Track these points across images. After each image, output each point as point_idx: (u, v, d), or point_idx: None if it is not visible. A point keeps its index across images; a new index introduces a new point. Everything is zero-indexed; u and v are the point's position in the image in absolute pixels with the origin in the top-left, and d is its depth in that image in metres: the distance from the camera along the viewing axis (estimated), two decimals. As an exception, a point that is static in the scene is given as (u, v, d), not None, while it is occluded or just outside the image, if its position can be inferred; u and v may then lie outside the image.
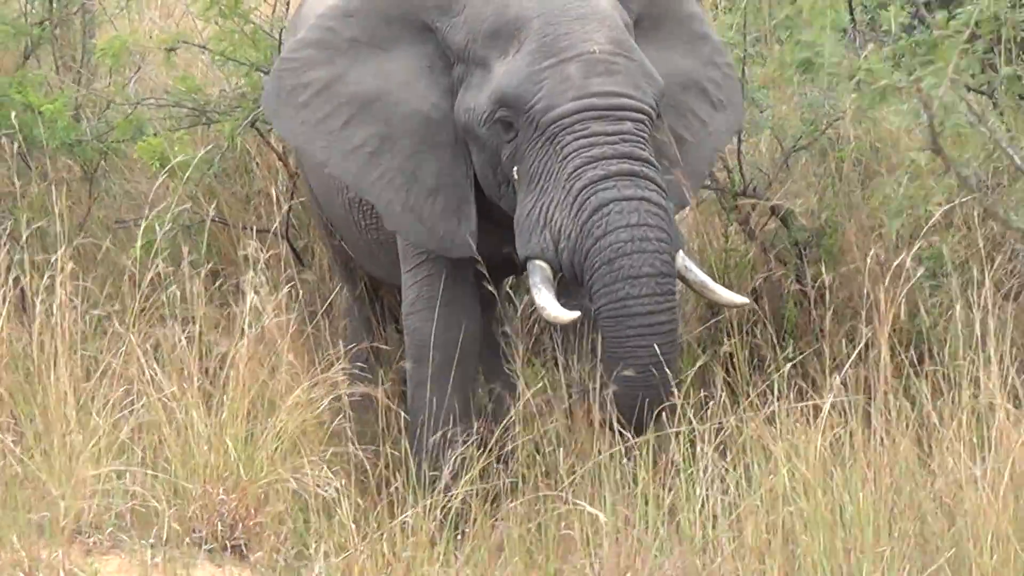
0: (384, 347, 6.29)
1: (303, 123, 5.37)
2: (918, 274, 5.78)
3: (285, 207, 7.23)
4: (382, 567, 4.46)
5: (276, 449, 4.78)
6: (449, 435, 5.22)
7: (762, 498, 4.37)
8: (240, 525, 4.59)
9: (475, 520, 4.69)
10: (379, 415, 5.20)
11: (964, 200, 5.63)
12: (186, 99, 6.97)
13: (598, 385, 4.79)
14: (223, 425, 4.75)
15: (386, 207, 5.32)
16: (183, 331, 5.22)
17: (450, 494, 4.82)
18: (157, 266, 5.28)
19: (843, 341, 5.27)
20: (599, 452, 4.70)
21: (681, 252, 4.98)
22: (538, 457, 4.92)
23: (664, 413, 4.78)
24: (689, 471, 4.59)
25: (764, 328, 6.01)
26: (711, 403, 4.79)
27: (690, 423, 4.70)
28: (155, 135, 6.61)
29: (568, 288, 5.03)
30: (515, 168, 5.02)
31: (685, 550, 4.35)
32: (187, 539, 4.52)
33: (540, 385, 5.22)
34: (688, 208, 5.94)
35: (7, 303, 5.28)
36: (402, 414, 5.16)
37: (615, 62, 4.97)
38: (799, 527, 4.27)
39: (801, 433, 4.39)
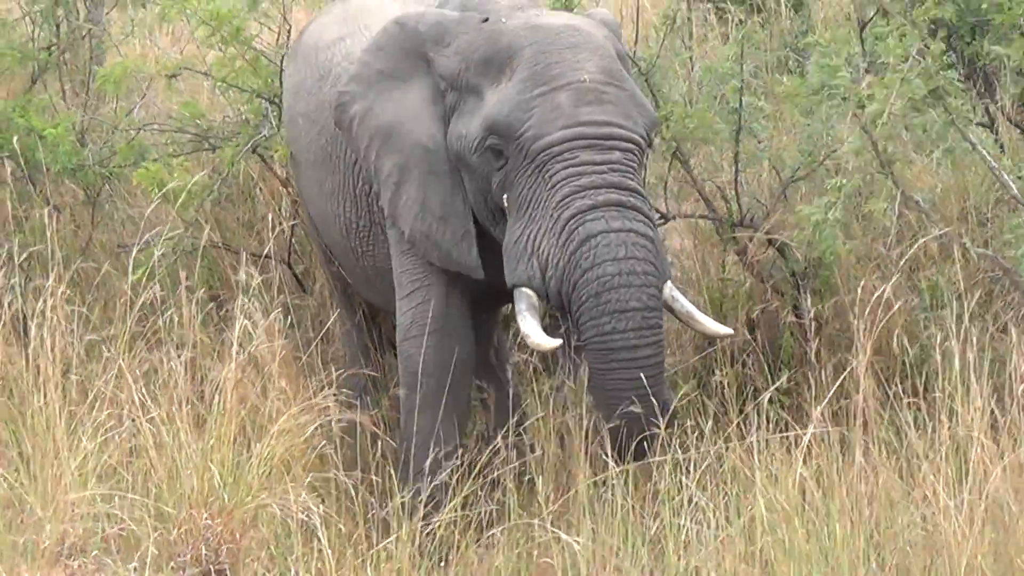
0: (371, 373, 6.31)
1: (360, 156, 5.51)
2: (913, 305, 5.83)
3: (287, 232, 7.28)
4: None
5: (262, 474, 4.78)
6: (439, 461, 5.22)
7: (742, 528, 4.37)
8: (224, 549, 4.61)
9: (459, 548, 4.70)
10: (367, 442, 5.19)
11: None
12: (189, 125, 7.00)
13: (582, 414, 4.81)
14: (210, 450, 4.76)
15: (411, 233, 5.36)
16: (179, 356, 5.25)
17: (433, 521, 4.83)
18: (150, 291, 5.29)
19: (831, 372, 5.26)
20: (588, 479, 4.72)
21: (668, 283, 4.98)
22: (523, 484, 4.92)
23: (648, 443, 4.77)
24: (674, 500, 4.60)
25: (758, 358, 6.01)
26: (695, 433, 4.79)
27: (675, 452, 4.71)
28: (155, 161, 6.61)
29: None
30: (504, 196, 5.03)
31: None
32: (171, 563, 4.54)
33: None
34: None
35: (3, 327, 5.31)
36: (388, 440, 5.16)
37: (606, 91, 4.98)
38: (779, 556, 4.28)
39: (781, 463, 4.39)
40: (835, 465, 4.43)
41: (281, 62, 6.76)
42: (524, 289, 4.94)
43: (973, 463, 4.28)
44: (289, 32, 7.03)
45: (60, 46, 7.60)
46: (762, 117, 6.86)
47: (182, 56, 7.57)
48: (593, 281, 4.75)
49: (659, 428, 4.70)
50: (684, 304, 5.06)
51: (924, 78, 5.49)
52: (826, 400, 4.66)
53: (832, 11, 9.54)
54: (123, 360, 5.09)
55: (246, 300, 5.41)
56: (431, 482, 5.12)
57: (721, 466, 4.64)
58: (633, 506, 4.60)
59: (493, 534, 4.75)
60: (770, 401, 5.35)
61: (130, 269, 5.37)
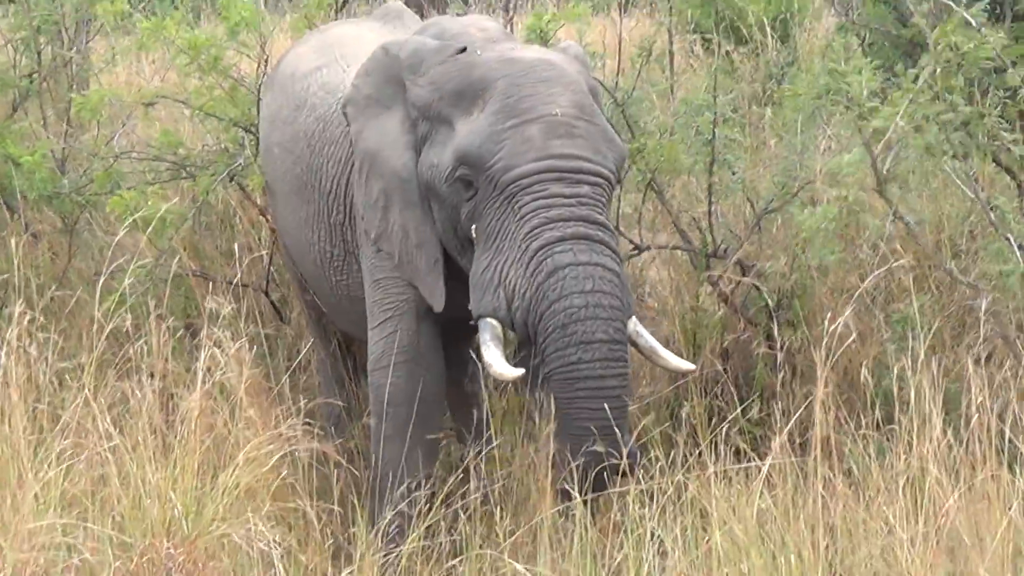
0: (337, 403, 6.32)
1: (359, 176, 5.52)
2: (885, 336, 5.84)
3: (266, 260, 7.31)
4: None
5: (226, 503, 4.78)
6: (408, 491, 5.24)
7: (701, 559, 4.38)
8: (185, 579, 4.60)
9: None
10: (331, 471, 5.19)
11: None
12: (167, 153, 7.02)
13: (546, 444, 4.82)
14: (174, 479, 4.76)
15: (396, 259, 5.38)
16: (150, 384, 5.25)
17: (397, 550, 4.83)
18: (119, 319, 5.29)
19: (796, 402, 5.28)
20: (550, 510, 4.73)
21: (633, 318, 5.00)
22: (486, 514, 4.93)
23: (610, 475, 4.78)
24: (636, 533, 4.61)
25: (728, 389, 6.03)
26: (658, 464, 4.80)
27: (637, 483, 4.72)
28: (130, 189, 6.62)
29: None
30: (473, 226, 5.04)
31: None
32: (131, 593, 4.53)
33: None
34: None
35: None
36: (352, 470, 5.16)
37: (577, 126, 4.99)
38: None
39: (740, 494, 4.39)
40: (792, 496, 4.42)
41: (259, 91, 6.78)
42: (489, 319, 4.94)
43: (927, 495, 4.28)
44: (267, 61, 7.04)
45: (42, 73, 7.62)
46: (740, 149, 6.90)
47: (162, 84, 7.59)
48: (560, 312, 4.75)
49: (620, 460, 4.70)
50: (648, 339, 5.07)
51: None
52: (784, 431, 4.66)
53: (819, 43, 9.60)
54: (88, 389, 5.07)
55: (215, 329, 5.41)
56: (399, 512, 5.14)
57: (679, 498, 4.64)
58: (593, 538, 4.60)
59: (453, 565, 4.74)
60: (740, 432, 5.40)
61: (97, 297, 5.34)
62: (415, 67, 5.32)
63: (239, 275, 6.26)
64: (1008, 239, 5.42)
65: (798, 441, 5.31)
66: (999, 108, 5.65)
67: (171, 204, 6.44)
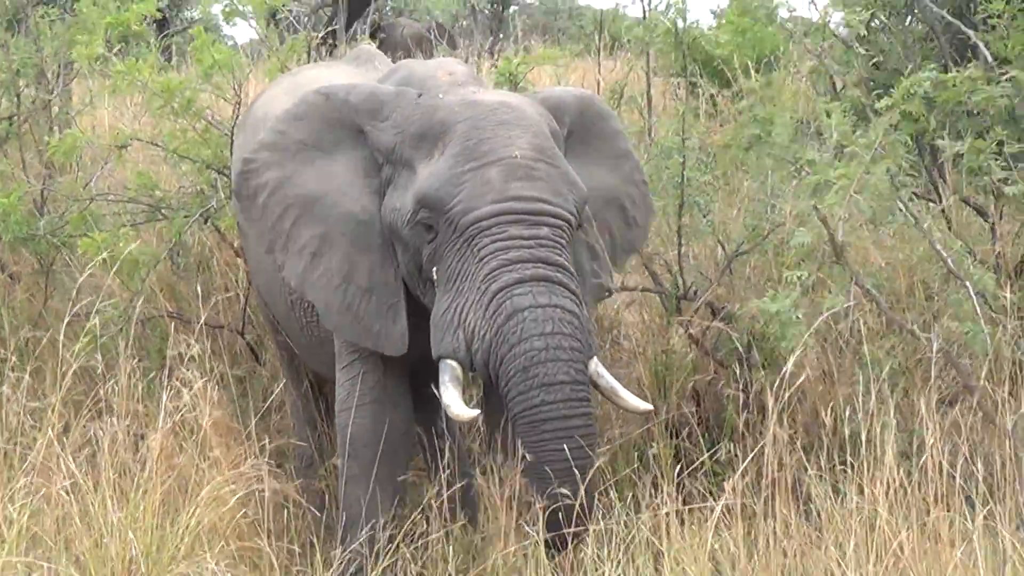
0: (300, 443, 6.34)
1: (262, 224, 5.45)
2: (854, 379, 5.85)
3: (242, 301, 7.35)
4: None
5: (186, 542, 4.80)
6: (373, 531, 5.25)
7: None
8: (142, 618, 4.62)
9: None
10: (290, 511, 5.21)
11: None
12: (142, 195, 7.06)
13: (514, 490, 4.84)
14: (134, 518, 4.78)
15: (325, 306, 5.36)
16: (119, 424, 5.28)
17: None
18: (90, 359, 5.32)
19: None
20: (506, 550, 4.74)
21: (594, 359, 5.00)
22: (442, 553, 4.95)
23: (575, 514, 4.78)
24: (599, 572, 4.63)
25: (695, 431, 6.05)
26: (618, 504, 4.82)
27: (596, 523, 4.74)
28: (104, 231, 6.65)
29: None
30: (434, 269, 5.06)
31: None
32: (89, 632, 4.55)
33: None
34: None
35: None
36: (312, 510, 5.18)
37: (536, 168, 5.01)
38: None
39: (694, 535, 4.41)
40: (745, 536, 4.44)
41: (232, 133, 6.81)
42: (449, 361, 4.95)
43: (878, 534, 4.30)
44: (239, 103, 7.08)
45: (21, 116, 7.67)
46: (712, 191, 6.94)
47: (139, 127, 7.63)
48: (521, 356, 4.76)
49: (586, 500, 4.71)
50: (608, 380, 5.07)
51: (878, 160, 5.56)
52: (738, 473, 4.69)
53: (803, 86, 9.64)
54: (53, 429, 5.10)
55: (184, 369, 5.45)
56: (360, 552, 5.16)
57: (632, 539, 4.66)
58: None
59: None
60: (706, 473, 5.42)
61: (61, 337, 5.37)
62: (375, 112, 5.34)
63: (204, 316, 6.25)
64: (967, 286, 5.44)
65: (763, 482, 5.33)
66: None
67: (138, 246, 6.45)
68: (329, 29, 12.79)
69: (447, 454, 5.40)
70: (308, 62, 7.94)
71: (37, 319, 7.01)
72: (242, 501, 5.14)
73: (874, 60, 7.53)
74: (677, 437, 6.20)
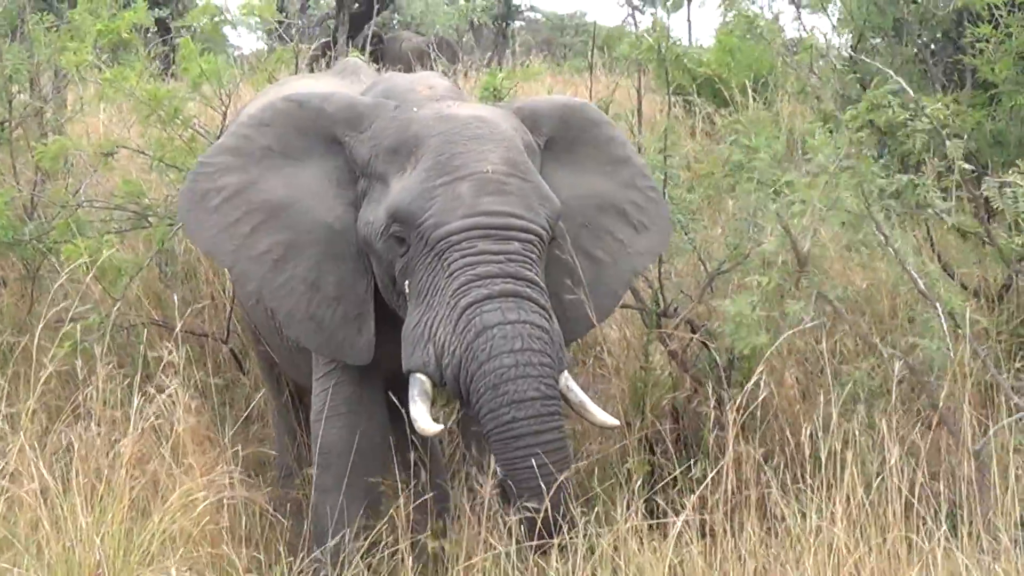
0: (268, 452, 6.36)
1: (212, 227, 5.40)
2: (840, 398, 5.87)
3: (227, 310, 7.38)
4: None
5: (154, 548, 4.83)
6: (344, 542, 5.27)
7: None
8: (108, 624, 4.64)
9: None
10: (256, 518, 5.24)
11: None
12: (128, 203, 7.08)
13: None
14: (101, 524, 4.81)
15: (287, 313, 5.37)
16: (98, 430, 5.32)
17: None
18: (54, 364, 5.35)
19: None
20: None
21: (565, 373, 5.02)
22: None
23: (547, 527, 4.81)
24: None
25: (670, 447, 6.07)
26: (584, 519, 4.84)
27: (564, 536, 4.76)
28: (89, 237, 6.68)
29: None
30: (406, 282, 5.08)
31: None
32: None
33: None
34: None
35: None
36: (280, 519, 5.20)
37: (507, 182, 5.03)
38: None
39: (653, 551, 4.44)
40: (704, 553, 4.47)
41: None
42: (419, 375, 4.96)
43: (834, 554, 4.33)
44: (226, 113, 7.12)
45: (12, 122, 7.71)
46: (694, 209, 6.96)
47: (129, 135, 7.67)
48: (490, 373, 4.78)
49: (559, 514, 4.74)
50: (578, 394, 5.08)
51: (848, 175, 5.58)
52: (697, 493, 4.71)
53: (800, 107, 9.68)
54: (25, 434, 5.13)
55: (163, 376, 5.48)
56: (323, 560, 5.18)
57: (592, 554, 4.68)
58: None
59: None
60: (680, 491, 5.43)
61: (35, 342, 5.40)
62: (353, 122, 5.37)
63: (186, 324, 6.29)
64: (936, 307, 5.46)
65: (736, 499, 5.35)
66: (935, 176, 5.73)
67: (121, 253, 6.48)
68: (323, 40, 12.79)
69: (419, 465, 5.42)
70: (297, 73, 7.96)
71: (22, 324, 7.03)
72: (214, 508, 5.16)
73: (860, 78, 7.57)
74: (655, 453, 6.21)
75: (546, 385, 4.83)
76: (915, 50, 7.74)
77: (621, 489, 5.53)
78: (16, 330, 6.85)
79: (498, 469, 4.79)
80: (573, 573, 4.64)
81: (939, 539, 4.50)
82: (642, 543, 4.55)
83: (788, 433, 5.21)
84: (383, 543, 5.16)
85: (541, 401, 4.79)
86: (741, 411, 6.00)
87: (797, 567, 4.38)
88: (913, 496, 4.74)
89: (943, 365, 5.36)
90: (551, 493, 4.69)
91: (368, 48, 16.60)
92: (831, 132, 6.07)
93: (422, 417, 4.90)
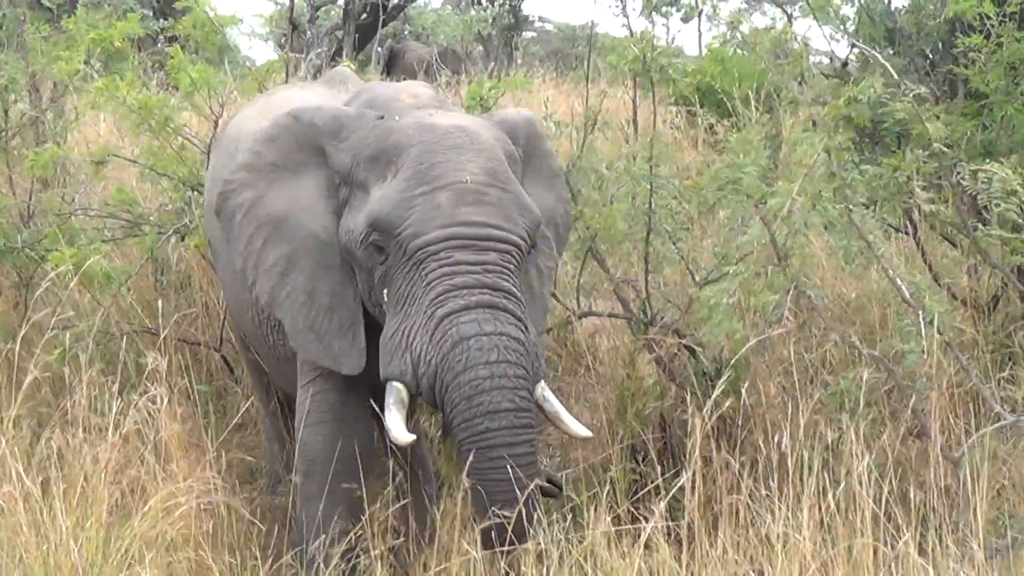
0: (276, 461, 6.38)
1: (237, 242, 5.53)
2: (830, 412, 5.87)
3: (220, 318, 7.41)
4: None
5: (130, 553, 4.86)
6: (327, 549, 5.29)
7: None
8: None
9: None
10: (231, 524, 5.26)
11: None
12: (120, 211, 7.12)
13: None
14: (79, 528, 4.84)
15: (291, 324, 5.43)
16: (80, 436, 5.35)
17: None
18: (37, 371, 5.39)
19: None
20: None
21: (542, 383, 5.05)
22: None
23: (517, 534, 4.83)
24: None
25: (658, 455, 6.09)
26: (556, 525, 4.86)
27: (537, 542, 4.79)
28: (79, 246, 6.71)
29: None
30: (385, 291, 5.12)
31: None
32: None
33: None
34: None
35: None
36: (257, 524, 5.23)
37: (486, 193, 5.06)
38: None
39: (623, 557, 4.46)
40: (672, 559, 4.49)
41: (208, 150, 6.88)
42: (396, 384, 5.00)
43: (799, 562, 4.34)
44: (216, 122, 7.15)
45: (8, 131, 7.75)
46: (688, 220, 6.97)
47: (124, 143, 7.71)
48: (465, 384, 4.81)
49: (528, 522, 4.76)
50: (554, 404, 5.12)
51: (827, 177, 5.59)
52: (666, 499, 4.73)
53: (804, 115, 9.68)
54: (6, 441, 5.16)
55: (147, 383, 5.51)
56: (318, 568, 5.21)
57: (564, 560, 4.71)
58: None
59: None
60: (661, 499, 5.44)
61: (17, 350, 5.44)
62: (336, 133, 5.40)
63: (178, 332, 6.32)
64: (919, 314, 5.46)
65: (716, 507, 5.37)
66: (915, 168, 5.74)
67: (109, 261, 6.52)
68: (316, 51, 12.83)
69: (404, 473, 5.44)
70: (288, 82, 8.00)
71: (15, 332, 7.06)
72: (195, 513, 5.19)
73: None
74: (641, 462, 6.23)
75: (520, 397, 4.85)
76: (908, 59, 7.73)
77: (599, 498, 5.56)
78: (10, 337, 6.88)
79: (468, 477, 4.82)
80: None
81: (902, 546, 4.51)
82: (610, 547, 4.56)
83: (761, 442, 5.19)
84: (360, 549, 5.16)
85: (515, 413, 4.82)
86: (728, 420, 6.07)
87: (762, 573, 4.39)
88: (888, 504, 4.74)
89: (914, 364, 5.36)
90: (515, 502, 4.71)
91: (382, 59, 16.70)
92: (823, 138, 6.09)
93: (396, 426, 4.93)
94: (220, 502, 5.27)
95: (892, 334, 6.55)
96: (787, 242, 5.51)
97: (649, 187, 6.43)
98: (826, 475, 4.73)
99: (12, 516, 5.06)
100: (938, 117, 6.12)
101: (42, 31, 7.87)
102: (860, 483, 4.64)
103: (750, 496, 5.01)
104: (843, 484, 4.67)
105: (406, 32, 21.57)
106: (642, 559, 4.49)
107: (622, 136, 8.73)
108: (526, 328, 4.98)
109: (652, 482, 5.77)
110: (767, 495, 4.80)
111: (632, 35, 7.10)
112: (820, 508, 4.58)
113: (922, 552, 4.69)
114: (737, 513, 4.97)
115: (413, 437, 4.96)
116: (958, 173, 5.94)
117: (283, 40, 17.20)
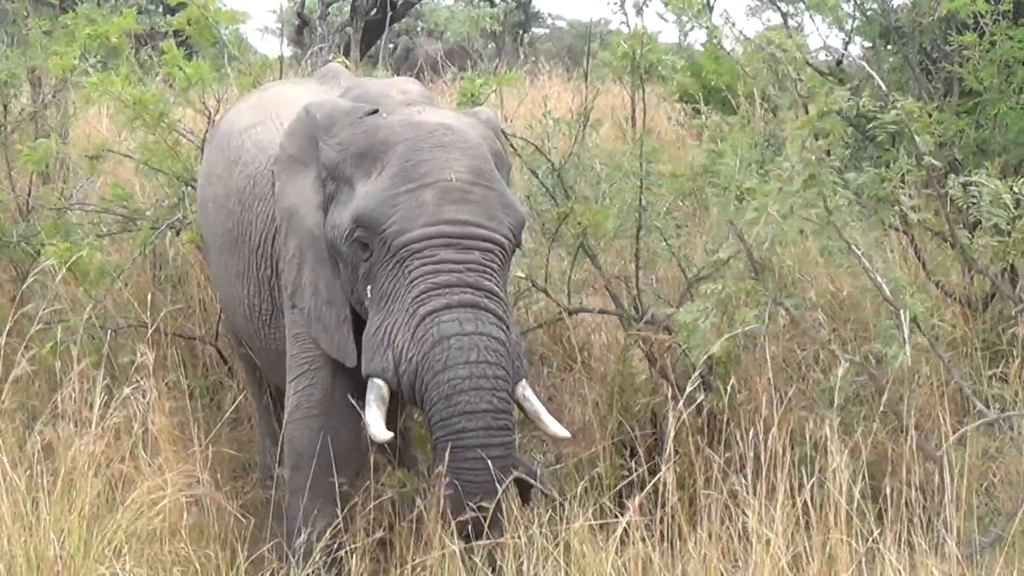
0: (235, 453, 6.39)
1: (280, 236, 5.61)
2: (818, 409, 5.88)
3: (216, 313, 7.43)
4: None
5: (113, 545, 4.88)
6: (313, 543, 5.31)
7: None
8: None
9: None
10: (213, 517, 5.29)
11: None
12: (116, 206, 7.14)
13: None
14: (60, 520, 4.86)
15: (307, 316, 5.47)
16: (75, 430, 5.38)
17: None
18: (24, 364, 5.41)
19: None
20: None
21: (523, 382, 5.08)
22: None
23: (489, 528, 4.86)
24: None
25: (644, 451, 6.10)
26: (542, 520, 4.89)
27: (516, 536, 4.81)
28: (73, 240, 6.74)
29: None
30: (368, 287, 5.14)
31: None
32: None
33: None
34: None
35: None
36: (240, 517, 5.25)
37: (471, 191, 5.08)
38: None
39: (598, 552, 4.47)
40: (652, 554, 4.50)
41: (202, 145, 6.90)
42: (377, 380, 5.03)
43: (771, 557, 4.36)
44: (210, 117, 7.17)
45: (8, 126, 7.78)
46: (682, 217, 6.98)
47: (122, 138, 7.73)
48: (444, 383, 4.84)
49: (497, 521, 4.79)
50: (534, 404, 5.14)
51: (807, 180, 5.59)
52: (644, 492, 4.75)
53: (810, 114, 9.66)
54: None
55: (138, 377, 5.54)
56: (303, 563, 5.23)
57: (544, 553, 4.73)
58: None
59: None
60: (647, 495, 5.46)
61: (3, 341, 5.47)
62: (328, 128, 5.43)
63: (172, 326, 6.34)
64: (899, 313, 5.46)
65: (702, 503, 5.38)
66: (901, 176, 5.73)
67: (102, 255, 6.54)
68: (321, 45, 12.84)
69: (387, 468, 5.46)
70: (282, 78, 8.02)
71: (12, 325, 7.10)
72: (180, 506, 5.22)
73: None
74: (626, 459, 6.24)
75: (498, 398, 4.89)
76: (903, 57, 7.73)
77: (581, 493, 5.58)
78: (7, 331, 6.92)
79: (445, 471, 4.85)
80: (520, 571, 4.67)
81: (871, 541, 4.53)
82: (588, 542, 4.58)
83: (738, 438, 5.20)
84: (342, 541, 5.19)
85: (492, 414, 4.86)
86: (716, 417, 6.08)
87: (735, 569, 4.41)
88: (868, 500, 4.76)
89: (895, 362, 5.36)
90: (489, 498, 4.77)
91: (393, 56, 16.70)
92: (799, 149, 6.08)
93: (375, 423, 4.96)
94: (203, 495, 5.28)
95: (878, 334, 6.57)
96: (762, 255, 5.50)
97: (639, 184, 6.43)
98: (802, 471, 4.73)
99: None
100: (930, 115, 6.13)
101: (43, 26, 7.89)
102: (835, 479, 4.65)
103: (731, 491, 5.02)
104: (814, 479, 4.67)
105: (419, 28, 21.60)
106: (618, 553, 4.50)
107: (621, 133, 8.73)
108: (508, 328, 5.00)
109: (639, 478, 5.80)
110: (744, 490, 4.80)
111: (632, 33, 7.09)
112: (795, 503, 4.59)
113: (901, 548, 4.70)
114: (724, 507, 4.97)
115: (391, 435, 4.98)
116: (948, 185, 5.93)
117: (294, 36, 17.24)
